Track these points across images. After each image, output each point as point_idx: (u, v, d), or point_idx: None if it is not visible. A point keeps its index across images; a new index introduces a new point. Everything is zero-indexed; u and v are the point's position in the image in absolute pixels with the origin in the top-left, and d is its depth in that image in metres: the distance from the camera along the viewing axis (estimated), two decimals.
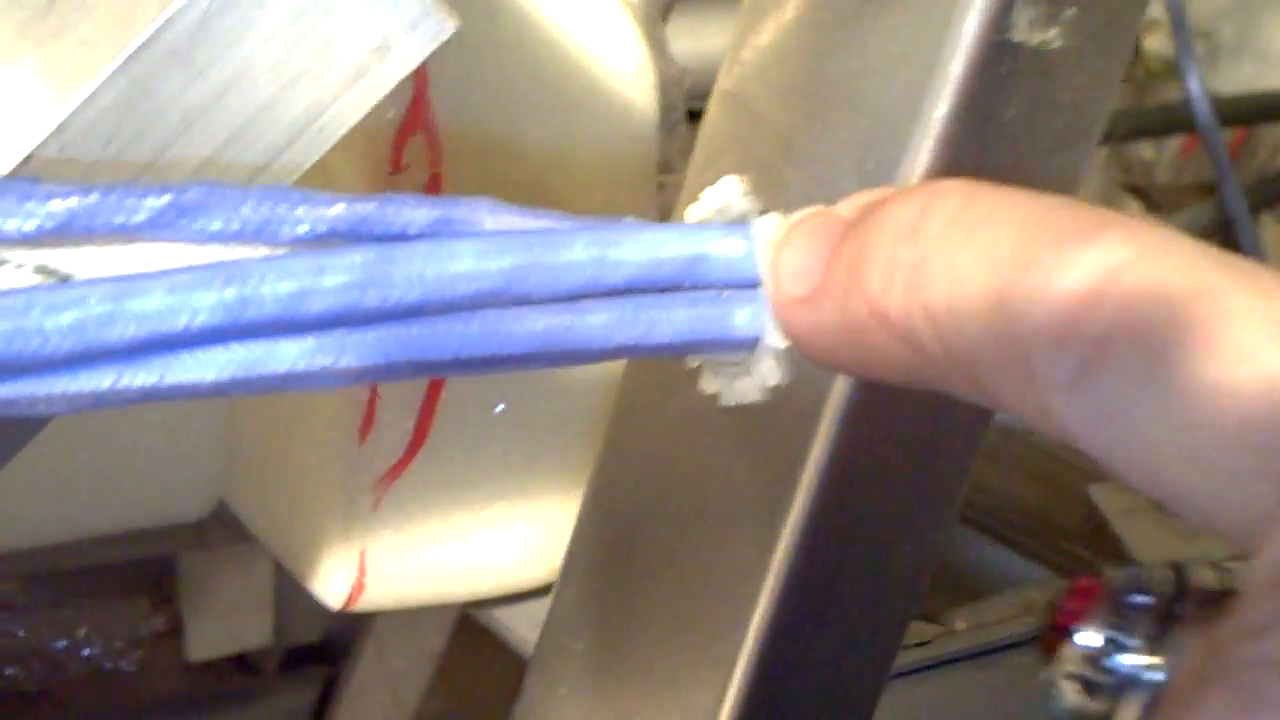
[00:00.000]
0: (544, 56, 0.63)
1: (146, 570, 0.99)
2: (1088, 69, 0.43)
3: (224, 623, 1.01)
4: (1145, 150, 1.37)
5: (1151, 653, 0.45)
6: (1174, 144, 1.39)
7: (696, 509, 0.51)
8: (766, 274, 0.46)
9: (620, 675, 0.54)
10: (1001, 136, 0.43)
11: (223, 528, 0.80)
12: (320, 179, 0.46)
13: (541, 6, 0.63)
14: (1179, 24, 1.18)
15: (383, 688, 1.07)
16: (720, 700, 0.50)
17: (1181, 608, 0.46)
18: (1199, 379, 0.31)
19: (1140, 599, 0.46)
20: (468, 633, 1.06)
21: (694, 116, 0.70)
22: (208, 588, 0.99)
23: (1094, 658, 0.45)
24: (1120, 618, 0.46)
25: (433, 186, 0.61)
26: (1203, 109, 1.16)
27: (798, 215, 0.42)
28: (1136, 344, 0.32)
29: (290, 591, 1.04)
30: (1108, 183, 1.37)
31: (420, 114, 0.60)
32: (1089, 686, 0.45)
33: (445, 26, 0.46)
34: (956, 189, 0.36)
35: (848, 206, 0.41)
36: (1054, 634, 0.46)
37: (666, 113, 0.67)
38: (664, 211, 0.67)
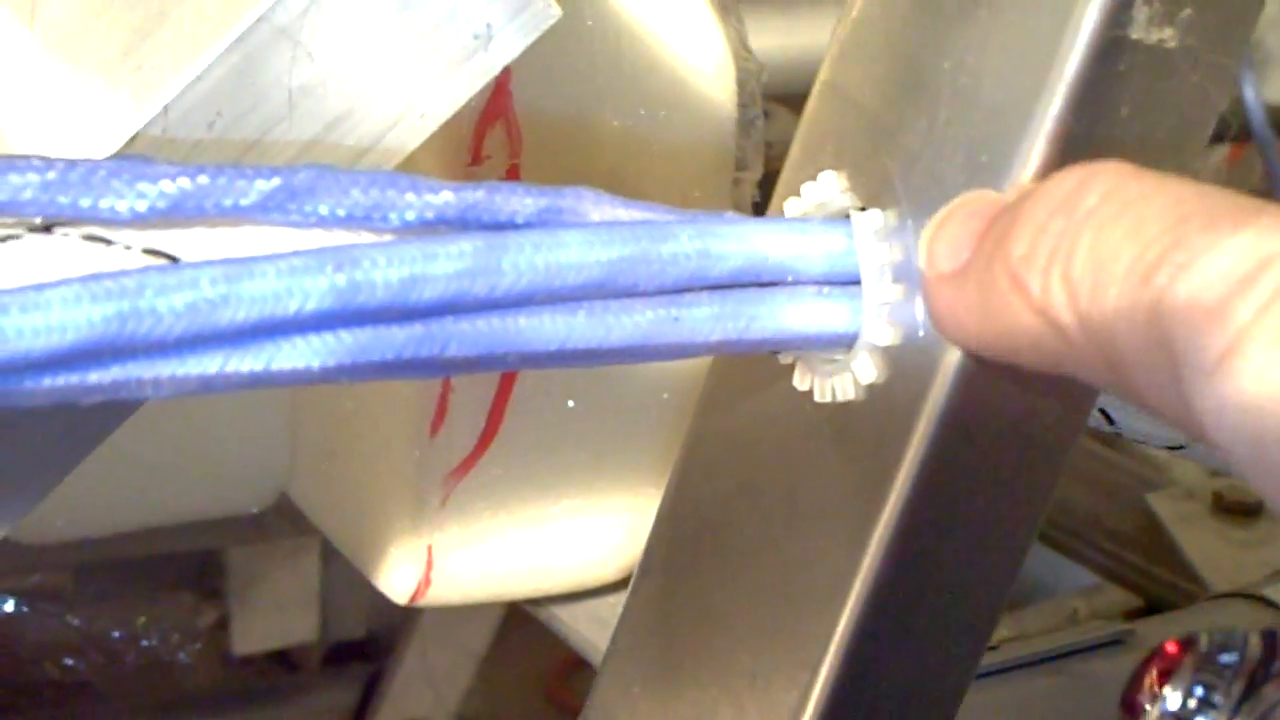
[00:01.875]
0: (624, 48, 0.63)
1: (194, 564, 0.99)
2: (1203, 67, 0.43)
3: (271, 618, 1.01)
4: None
5: (1238, 714, 0.45)
6: (1219, 153, 1.38)
7: (784, 507, 0.51)
8: (867, 269, 0.45)
9: (698, 674, 0.54)
10: (1115, 134, 0.43)
11: (281, 520, 0.80)
12: (402, 168, 0.45)
13: None
14: None
15: (424, 685, 1.07)
16: (804, 701, 0.49)
17: (1272, 668, 0.45)
18: None
19: (1228, 658, 0.45)
20: (511, 631, 1.06)
21: (764, 115, 0.70)
22: (256, 583, 0.99)
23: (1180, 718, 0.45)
24: (1209, 676, 0.45)
25: (511, 177, 0.61)
26: (1258, 117, 1.16)
27: (955, 201, 0.42)
28: None
29: (335, 588, 1.04)
30: None
31: (501, 104, 0.60)
32: None
33: (548, 14, 0.45)
34: (1114, 169, 0.36)
35: (1011, 191, 0.40)
36: (1137, 695, 0.46)
37: (744, 108, 0.66)
38: (738, 207, 0.67)
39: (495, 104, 0.60)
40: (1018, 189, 0.40)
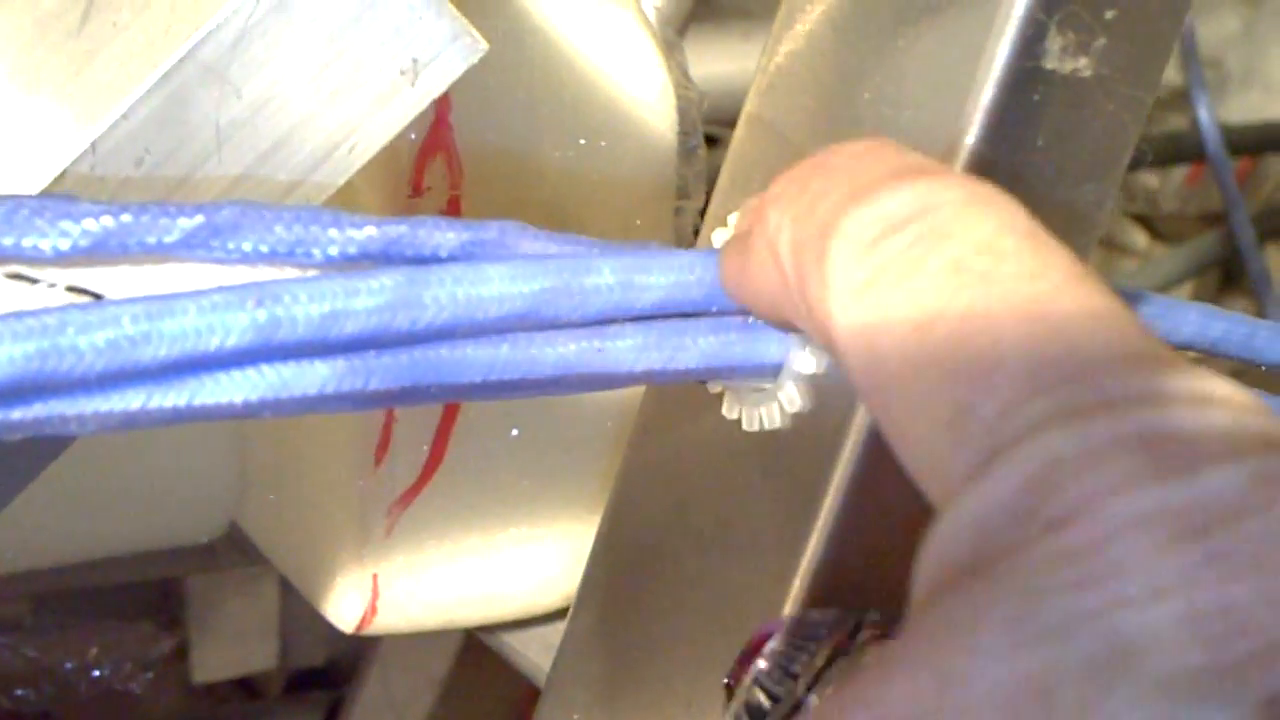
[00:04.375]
0: (564, 79, 0.63)
1: (153, 592, 0.99)
2: (1118, 97, 0.44)
3: (230, 646, 1.01)
4: (1150, 179, 1.37)
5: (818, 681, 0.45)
6: (1179, 173, 1.39)
7: (716, 534, 0.51)
8: None
9: (636, 699, 0.54)
10: (1032, 163, 0.43)
11: (233, 550, 0.80)
12: (342, 201, 0.46)
13: (562, 29, 0.63)
14: (1189, 53, 1.18)
15: (386, 711, 1.07)
16: None
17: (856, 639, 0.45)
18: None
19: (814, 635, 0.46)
20: (472, 658, 1.06)
21: (709, 141, 0.71)
22: (214, 611, 0.99)
23: (765, 686, 0.45)
24: (795, 650, 0.45)
25: (452, 209, 0.61)
26: (1213, 138, 1.17)
27: None
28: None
29: (295, 615, 1.04)
30: (1113, 210, 1.37)
31: (441, 136, 0.60)
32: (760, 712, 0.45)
33: (475, 49, 0.46)
34: (880, 142, 0.38)
35: None
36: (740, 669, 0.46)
37: (685, 137, 0.67)
38: (680, 236, 0.67)
39: (435, 136, 0.60)
40: None
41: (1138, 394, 0.31)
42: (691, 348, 0.45)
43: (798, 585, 0.48)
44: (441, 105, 0.60)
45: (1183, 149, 1.27)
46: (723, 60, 0.94)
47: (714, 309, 0.45)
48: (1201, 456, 0.29)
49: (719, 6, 1.01)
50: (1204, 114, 1.18)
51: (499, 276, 0.41)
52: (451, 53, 0.46)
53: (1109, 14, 0.43)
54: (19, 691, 0.87)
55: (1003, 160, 0.43)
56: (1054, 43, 0.42)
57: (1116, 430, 0.30)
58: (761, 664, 0.45)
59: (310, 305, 0.39)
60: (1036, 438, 0.31)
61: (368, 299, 0.40)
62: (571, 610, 0.58)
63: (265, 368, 0.39)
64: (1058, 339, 0.32)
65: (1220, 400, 0.31)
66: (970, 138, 0.42)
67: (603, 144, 0.64)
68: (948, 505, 0.32)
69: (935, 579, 0.32)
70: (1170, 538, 0.28)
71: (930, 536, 0.32)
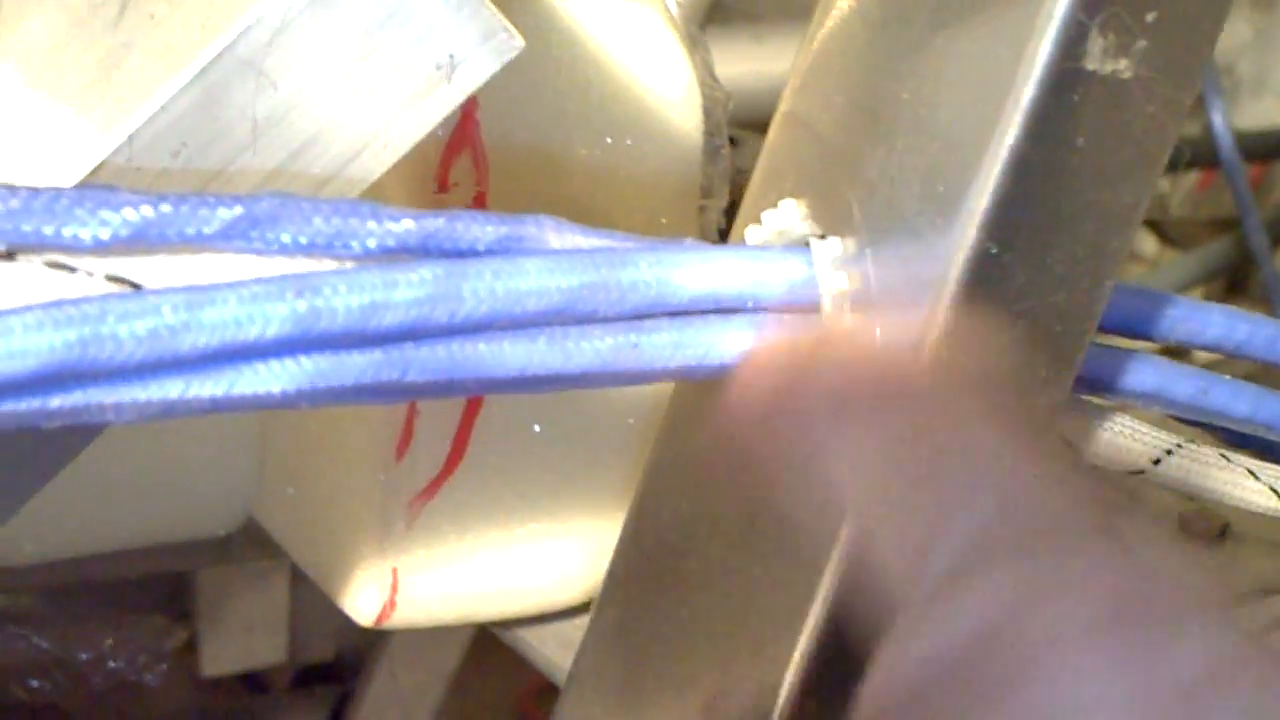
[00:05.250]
0: (591, 76, 0.63)
1: (164, 586, 0.99)
2: (1157, 99, 0.44)
3: (239, 639, 1.01)
4: (1162, 184, 1.37)
5: None
6: (1190, 178, 1.38)
7: (743, 532, 0.51)
8: (827, 297, 0.46)
9: (659, 697, 0.54)
10: (1071, 164, 0.43)
11: (248, 544, 0.80)
12: (368, 196, 0.46)
13: (589, 26, 0.63)
14: None
15: (394, 706, 1.07)
16: None
17: None
18: None
19: None
20: (481, 653, 1.06)
21: (734, 142, 0.70)
22: (224, 604, 0.99)
23: None
24: None
25: (478, 205, 0.61)
26: (1226, 143, 1.17)
27: None
28: None
29: (304, 609, 1.04)
30: None
31: (468, 133, 0.60)
32: None
33: (511, 46, 0.46)
34: None
35: None
36: None
37: (710, 136, 0.67)
38: (704, 235, 0.67)
39: (462, 132, 0.60)
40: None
41: None
42: (726, 344, 0.45)
43: (825, 583, 0.48)
44: (469, 102, 0.60)
45: (1195, 154, 1.27)
46: (733, 63, 0.93)
47: (749, 305, 0.45)
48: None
49: (728, 10, 1.01)
50: (1218, 119, 1.18)
51: (536, 270, 0.41)
52: (487, 50, 0.46)
53: (1150, 16, 0.43)
54: (33, 682, 0.87)
55: (1042, 160, 0.43)
56: (1095, 44, 0.42)
57: None
58: None
59: (350, 296, 0.39)
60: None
61: (407, 291, 0.40)
62: (594, 607, 0.58)
63: (303, 358, 0.39)
64: None
65: None
66: (1010, 138, 0.42)
67: (628, 142, 0.64)
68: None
69: None
70: None
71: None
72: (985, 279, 0.43)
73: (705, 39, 0.70)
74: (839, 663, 0.49)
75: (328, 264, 0.41)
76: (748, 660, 0.50)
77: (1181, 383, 0.52)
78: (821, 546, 0.48)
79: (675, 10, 0.70)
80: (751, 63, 0.94)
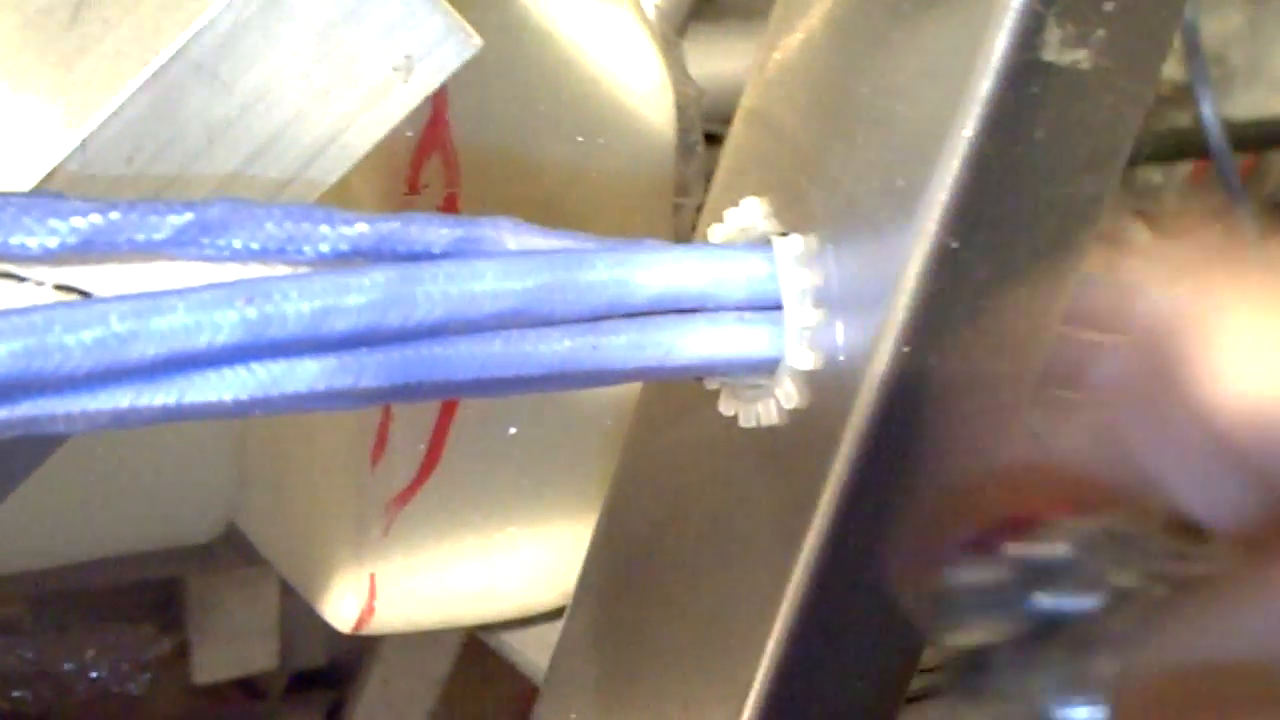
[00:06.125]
0: (562, 76, 0.63)
1: (154, 593, 0.98)
2: (1117, 90, 0.43)
3: (230, 646, 1.01)
4: (1154, 175, 1.37)
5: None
6: (1182, 170, 1.38)
7: (712, 533, 0.51)
8: (789, 294, 0.46)
9: (633, 700, 0.54)
10: (1030, 156, 0.43)
11: (232, 550, 0.80)
12: (338, 199, 0.45)
13: (560, 26, 0.63)
14: (1192, 49, 1.17)
15: (387, 712, 1.07)
16: None
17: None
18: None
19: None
20: (473, 658, 1.06)
21: (710, 139, 0.70)
22: (215, 611, 0.98)
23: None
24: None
25: (449, 206, 0.61)
26: (1216, 134, 1.16)
27: None
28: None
29: (296, 616, 1.03)
30: (1115, 208, 1.37)
31: (438, 134, 0.60)
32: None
33: (468, 45, 0.45)
34: None
35: None
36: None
37: (684, 134, 0.66)
38: (679, 234, 0.67)
39: (432, 134, 0.60)
40: None
41: None
42: (687, 344, 0.45)
43: (794, 583, 0.48)
44: (438, 102, 0.60)
45: (1186, 145, 1.26)
46: (723, 59, 0.93)
47: (709, 305, 0.45)
48: None
49: (719, 5, 1.00)
50: (1208, 110, 1.17)
51: (492, 273, 0.41)
52: (446, 49, 0.45)
53: (1108, 6, 0.42)
54: (16, 693, 0.87)
55: (1001, 153, 0.42)
56: (1053, 34, 0.42)
57: None
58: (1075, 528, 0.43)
59: (301, 302, 0.39)
60: None
61: (359, 296, 0.39)
62: (568, 610, 0.58)
63: (255, 365, 0.39)
64: None
65: None
66: (968, 131, 0.42)
67: (601, 141, 0.64)
68: None
69: None
70: None
71: None
72: (946, 274, 0.43)
73: (680, 38, 0.70)
74: (808, 662, 0.49)
75: (281, 269, 0.41)
76: (718, 664, 0.50)
77: None
78: (790, 547, 0.48)
79: (652, 10, 0.70)
80: (742, 59, 0.93)
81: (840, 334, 0.45)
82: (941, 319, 0.43)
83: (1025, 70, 0.42)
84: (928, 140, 0.43)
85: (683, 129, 0.67)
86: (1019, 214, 0.43)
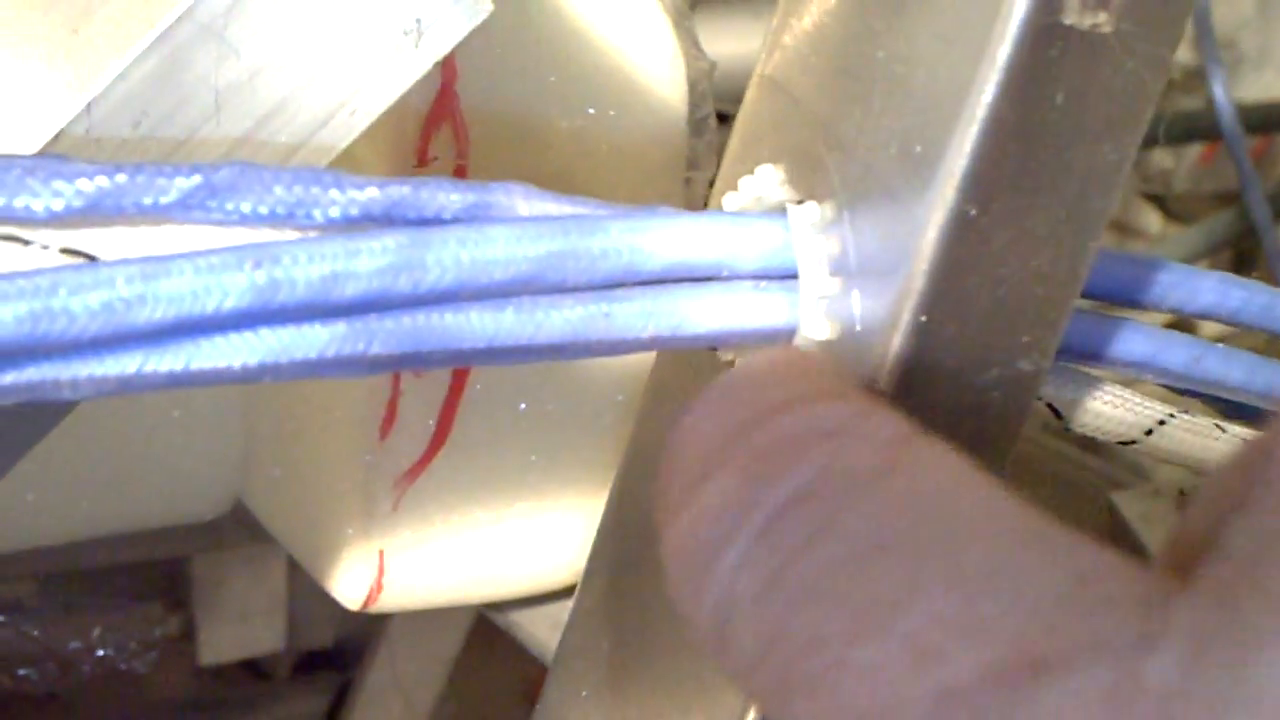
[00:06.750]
0: (573, 47, 0.62)
1: (160, 573, 0.98)
2: (1139, 54, 0.42)
3: (237, 627, 1.00)
4: (1165, 158, 1.36)
5: None
6: (1193, 152, 1.37)
7: None
8: (804, 263, 0.45)
9: (644, 677, 0.53)
10: (1050, 121, 0.42)
11: (238, 527, 0.79)
12: (346, 169, 0.45)
13: None
14: (1204, 31, 1.17)
15: (395, 693, 1.06)
16: (748, 704, 0.49)
17: None
18: None
19: None
20: (482, 638, 1.05)
21: (719, 119, 0.69)
22: (221, 592, 0.98)
23: None
24: None
25: (458, 178, 0.60)
26: (1227, 117, 1.15)
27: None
28: None
29: (303, 596, 1.03)
30: (1126, 191, 1.36)
31: (447, 105, 0.59)
32: None
33: (478, 10, 0.45)
34: None
35: None
36: None
37: (695, 107, 0.66)
38: (690, 208, 0.66)
39: (441, 105, 0.59)
40: None
41: None
42: (701, 313, 0.44)
43: None
44: (447, 74, 0.59)
45: (1197, 128, 1.26)
46: (731, 40, 0.93)
47: (724, 273, 0.44)
48: None
49: None
50: (1219, 92, 1.17)
51: (504, 238, 0.41)
52: (456, 13, 0.45)
53: None
54: (21, 672, 0.87)
55: (1020, 117, 0.42)
56: None
57: None
58: None
59: (310, 267, 0.38)
60: None
61: (369, 260, 0.39)
62: (579, 586, 0.57)
63: (264, 331, 0.38)
64: None
65: None
66: (987, 96, 0.41)
67: (612, 113, 0.63)
68: None
69: None
70: None
71: None
72: (964, 242, 0.42)
73: (692, 11, 0.69)
74: None
75: (290, 234, 0.40)
76: None
77: (1173, 350, 0.51)
78: None
79: None
80: (750, 40, 0.93)
81: (857, 303, 0.44)
82: (960, 288, 0.43)
83: (1045, 33, 0.41)
84: (946, 106, 0.42)
85: (694, 102, 0.66)
86: (1038, 181, 0.42)
